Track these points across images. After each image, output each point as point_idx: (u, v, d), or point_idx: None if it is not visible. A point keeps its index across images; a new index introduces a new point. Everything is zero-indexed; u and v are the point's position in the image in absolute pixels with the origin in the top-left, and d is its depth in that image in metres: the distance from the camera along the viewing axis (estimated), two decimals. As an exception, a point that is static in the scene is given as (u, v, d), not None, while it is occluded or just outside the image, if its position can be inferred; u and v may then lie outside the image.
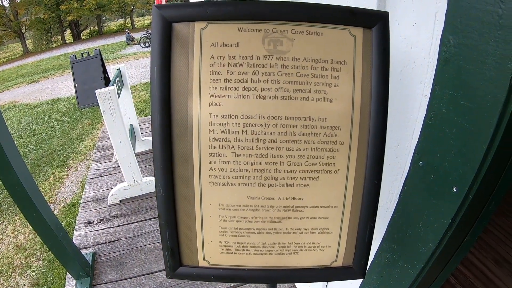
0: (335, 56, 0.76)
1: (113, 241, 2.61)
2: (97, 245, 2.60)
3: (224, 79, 0.76)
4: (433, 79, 0.80)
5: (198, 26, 0.75)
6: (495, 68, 0.64)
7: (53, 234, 1.94)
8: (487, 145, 0.69)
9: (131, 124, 3.68)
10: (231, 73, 0.76)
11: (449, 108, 0.77)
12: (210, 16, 0.75)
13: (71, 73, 7.76)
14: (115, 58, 15.86)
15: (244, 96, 0.76)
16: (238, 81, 0.76)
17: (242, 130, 0.77)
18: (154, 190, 0.82)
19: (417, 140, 0.90)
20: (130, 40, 21.59)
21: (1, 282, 2.81)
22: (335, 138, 0.79)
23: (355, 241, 0.88)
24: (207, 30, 0.75)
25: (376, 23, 0.76)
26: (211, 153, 0.79)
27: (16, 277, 2.87)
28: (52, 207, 3.98)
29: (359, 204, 0.84)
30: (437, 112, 0.80)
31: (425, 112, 0.85)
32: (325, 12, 0.75)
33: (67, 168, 5.11)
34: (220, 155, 0.79)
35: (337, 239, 0.88)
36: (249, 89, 0.76)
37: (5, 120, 1.62)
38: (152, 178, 3.07)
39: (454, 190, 0.80)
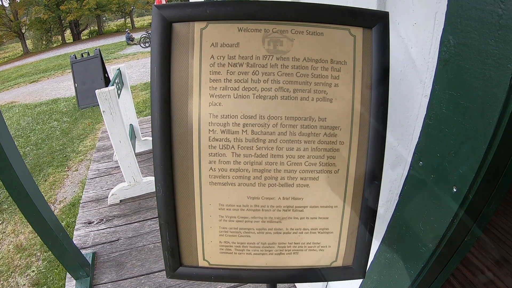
0: (335, 56, 0.77)
1: (113, 241, 2.61)
2: (97, 245, 2.60)
3: (224, 79, 0.76)
4: (433, 79, 0.80)
5: (198, 26, 0.75)
6: (495, 68, 0.64)
7: (53, 234, 1.94)
8: (487, 145, 0.69)
9: (131, 124, 3.66)
10: (231, 73, 0.76)
11: (449, 108, 0.77)
12: (210, 16, 0.75)
13: (71, 73, 7.76)
14: (115, 58, 15.85)
15: (244, 96, 0.76)
16: (238, 81, 0.76)
17: (242, 130, 0.77)
18: (154, 190, 0.82)
19: (417, 140, 0.90)
20: (130, 40, 21.56)
21: (1, 282, 2.81)
22: (335, 138, 0.79)
23: (355, 241, 0.88)
24: (207, 30, 0.75)
25: (376, 23, 0.76)
26: (211, 153, 0.79)
27: (16, 277, 2.86)
28: (52, 207, 3.98)
29: (359, 204, 0.84)
30: (437, 112, 0.80)
31: (425, 112, 0.85)
32: (325, 12, 0.76)
33: (67, 168, 5.11)
34: (220, 155, 0.79)
35: (337, 239, 0.88)
36: (249, 89, 0.76)
37: (5, 120, 1.62)
38: (152, 178, 3.07)
39: (454, 190, 0.80)
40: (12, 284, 2.79)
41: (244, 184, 0.81)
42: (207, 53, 0.76)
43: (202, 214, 0.84)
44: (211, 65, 0.76)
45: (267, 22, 0.75)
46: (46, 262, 3.08)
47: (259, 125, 0.77)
